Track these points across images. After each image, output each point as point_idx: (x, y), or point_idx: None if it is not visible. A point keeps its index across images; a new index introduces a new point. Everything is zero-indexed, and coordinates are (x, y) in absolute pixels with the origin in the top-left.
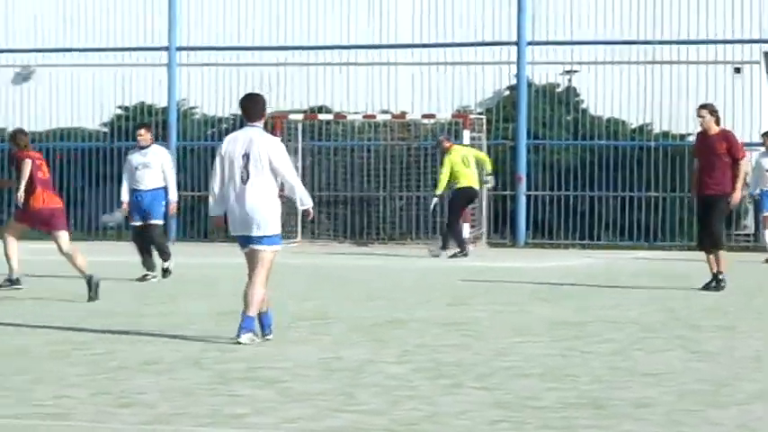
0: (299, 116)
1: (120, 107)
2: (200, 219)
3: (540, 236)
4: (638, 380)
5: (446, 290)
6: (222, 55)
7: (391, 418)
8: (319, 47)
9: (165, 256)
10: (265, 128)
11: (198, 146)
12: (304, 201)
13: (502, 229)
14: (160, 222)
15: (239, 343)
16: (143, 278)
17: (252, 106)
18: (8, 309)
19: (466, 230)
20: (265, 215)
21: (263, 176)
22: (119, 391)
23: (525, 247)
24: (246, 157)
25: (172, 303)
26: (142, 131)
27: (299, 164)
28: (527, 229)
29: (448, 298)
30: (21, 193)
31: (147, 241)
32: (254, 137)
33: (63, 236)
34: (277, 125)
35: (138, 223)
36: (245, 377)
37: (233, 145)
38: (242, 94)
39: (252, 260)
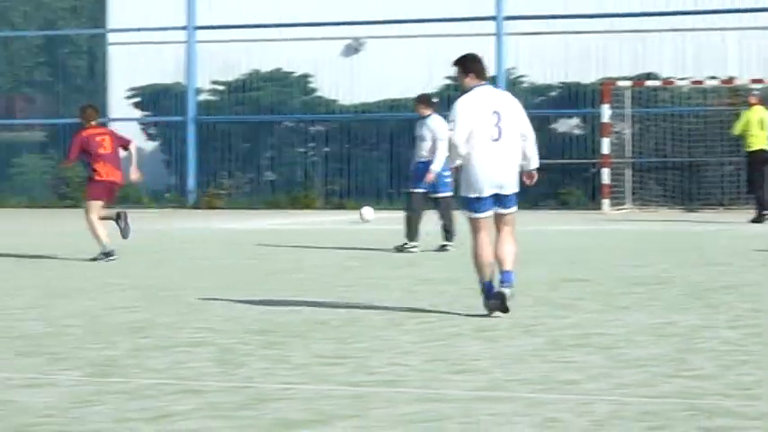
0: (627, 83)
1: (448, 77)
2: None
3: None
4: None
5: None
6: (549, 23)
7: (725, 383)
8: (646, 13)
9: (447, 234)
10: (593, 95)
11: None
12: (535, 161)
13: None
14: (445, 194)
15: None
16: (401, 247)
17: (480, 66)
18: (341, 278)
19: None
20: (515, 173)
21: (513, 134)
22: (453, 357)
23: None
24: (497, 114)
25: None
26: (417, 103)
27: (628, 130)
28: None
29: None
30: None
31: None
32: (498, 95)
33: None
34: (605, 92)
35: (421, 190)
36: (576, 343)
37: (479, 103)
38: (570, 63)
39: (491, 224)
